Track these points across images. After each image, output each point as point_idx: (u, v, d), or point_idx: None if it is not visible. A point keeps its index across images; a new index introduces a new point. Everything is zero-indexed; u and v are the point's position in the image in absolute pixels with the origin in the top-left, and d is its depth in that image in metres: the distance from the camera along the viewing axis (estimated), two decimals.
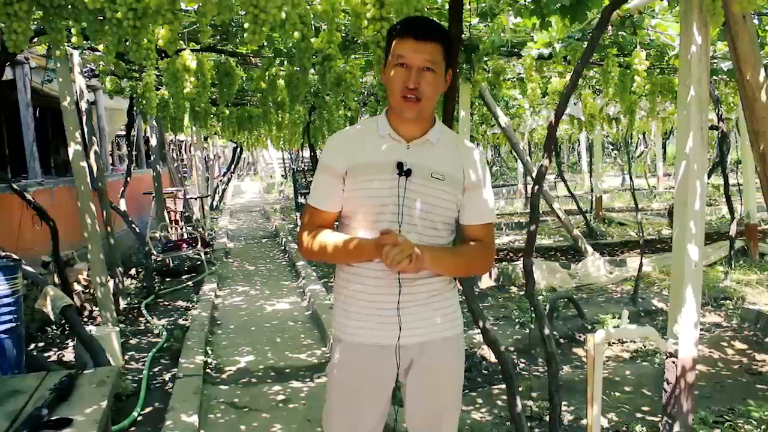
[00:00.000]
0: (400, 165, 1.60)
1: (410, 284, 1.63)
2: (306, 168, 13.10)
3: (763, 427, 2.95)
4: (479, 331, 2.61)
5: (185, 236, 8.59)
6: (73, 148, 4.24)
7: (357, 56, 4.51)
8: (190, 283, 7.06)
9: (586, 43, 3.59)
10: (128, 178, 6.58)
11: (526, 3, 2.91)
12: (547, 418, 2.83)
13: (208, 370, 4.17)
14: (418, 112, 1.62)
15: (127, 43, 2.21)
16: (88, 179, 4.34)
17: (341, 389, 1.73)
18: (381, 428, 1.77)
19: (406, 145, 1.65)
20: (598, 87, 7.00)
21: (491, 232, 1.75)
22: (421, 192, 1.62)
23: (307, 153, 11.97)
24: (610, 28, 3.68)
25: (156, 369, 4.21)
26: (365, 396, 1.71)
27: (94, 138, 5.45)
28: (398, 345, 1.65)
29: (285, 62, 4.40)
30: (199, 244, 7.83)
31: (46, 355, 4.41)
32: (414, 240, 1.56)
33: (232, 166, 17.22)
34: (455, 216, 1.70)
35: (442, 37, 1.61)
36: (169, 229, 9.06)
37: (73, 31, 2.88)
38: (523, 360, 4.23)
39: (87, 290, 5.28)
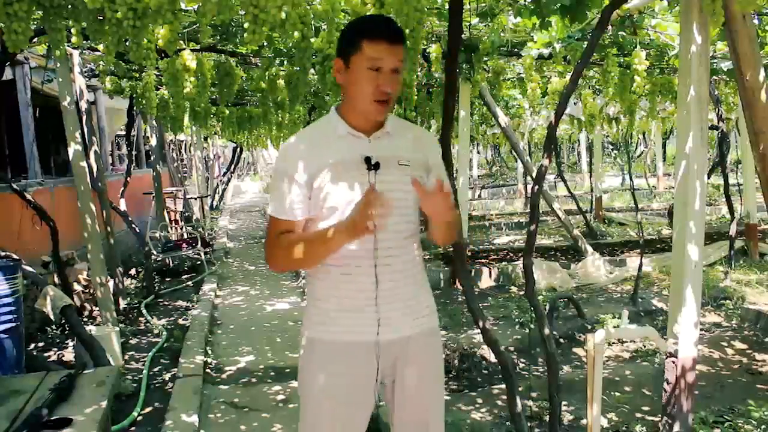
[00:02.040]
0: (368, 159, 1.61)
1: (387, 279, 1.63)
2: None
3: (763, 426, 2.95)
4: (479, 331, 2.61)
5: (185, 236, 8.59)
6: (73, 148, 4.24)
7: None
8: (190, 283, 7.05)
9: (586, 43, 3.59)
10: (128, 178, 6.58)
11: (526, 3, 2.91)
12: (547, 418, 2.83)
13: (208, 370, 4.17)
14: (387, 112, 1.64)
15: (127, 43, 2.21)
16: (88, 179, 4.34)
17: (321, 393, 1.67)
18: (364, 429, 1.73)
19: (368, 140, 1.65)
20: (598, 87, 7.00)
21: (454, 204, 1.82)
22: (391, 181, 1.62)
23: None
24: (610, 28, 3.68)
25: (156, 369, 4.21)
26: (349, 397, 1.67)
27: (94, 138, 5.45)
28: (378, 341, 1.63)
29: (285, 62, 4.40)
30: (199, 244, 7.83)
31: (46, 355, 4.41)
32: (390, 229, 1.58)
33: (232, 166, 17.21)
34: None
35: (405, 38, 1.64)
36: (169, 229, 9.06)
37: (73, 31, 2.89)
38: (523, 360, 4.23)
39: (87, 290, 5.27)
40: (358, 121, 1.65)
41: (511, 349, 4.35)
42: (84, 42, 3.73)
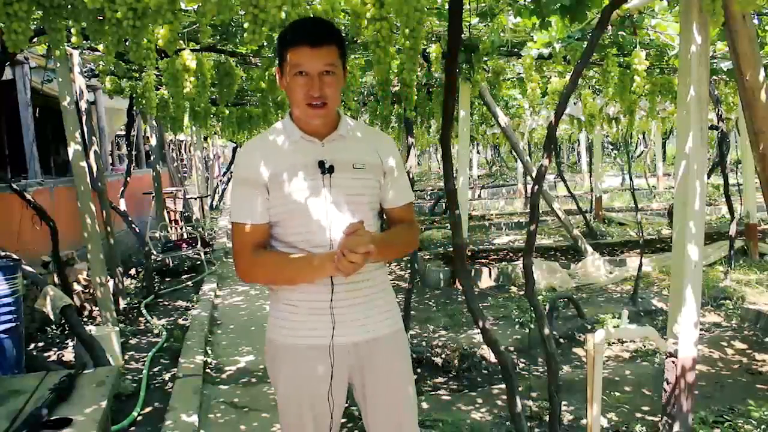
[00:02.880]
0: (321, 163, 1.62)
1: (342, 281, 1.62)
2: None
3: (763, 426, 2.95)
4: (479, 331, 2.61)
5: (185, 236, 8.59)
6: (73, 148, 4.24)
7: (357, 56, 4.51)
8: (189, 283, 7.05)
9: (586, 43, 3.58)
10: (128, 178, 6.58)
11: (526, 3, 2.91)
12: (547, 418, 2.83)
13: (208, 370, 4.17)
14: (325, 116, 1.64)
15: (127, 43, 2.21)
16: (88, 179, 4.34)
17: (286, 394, 1.69)
18: (337, 428, 1.74)
19: (321, 144, 1.66)
20: (598, 87, 7.00)
21: (413, 212, 1.84)
22: (346, 185, 1.64)
23: None
24: (610, 28, 3.68)
25: (156, 369, 4.21)
26: (312, 398, 1.67)
27: (94, 138, 5.45)
28: (332, 344, 1.63)
29: None
30: (199, 243, 7.83)
31: (46, 355, 4.41)
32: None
33: (232, 166, 17.20)
34: (380, 201, 1.75)
35: (336, 37, 1.62)
36: (169, 229, 9.06)
37: (72, 31, 2.89)
38: (523, 360, 4.23)
39: (87, 290, 5.27)
40: (306, 125, 1.66)
41: (511, 349, 4.35)
42: (84, 42, 3.73)
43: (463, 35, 2.86)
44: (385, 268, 1.81)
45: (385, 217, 1.82)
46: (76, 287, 5.22)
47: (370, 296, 1.70)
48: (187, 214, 10.67)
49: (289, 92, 1.63)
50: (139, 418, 3.42)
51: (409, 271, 4.07)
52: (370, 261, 1.59)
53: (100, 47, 3.73)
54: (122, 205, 6.30)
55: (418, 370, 4.00)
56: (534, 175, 3.15)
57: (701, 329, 3.42)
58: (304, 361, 1.66)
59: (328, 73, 1.58)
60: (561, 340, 4.56)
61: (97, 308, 4.74)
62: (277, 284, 1.70)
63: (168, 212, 9.55)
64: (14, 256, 3.47)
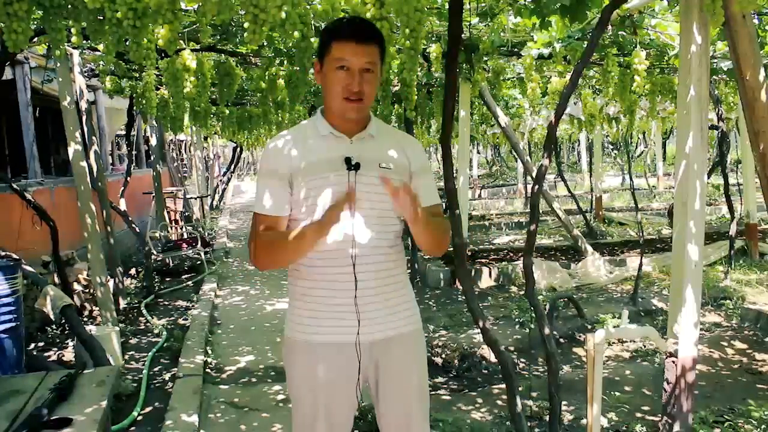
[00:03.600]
0: (348, 160, 1.63)
1: (366, 280, 1.64)
2: None
3: (763, 426, 2.95)
4: (479, 331, 2.61)
5: (185, 236, 8.60)
6: (73, 148, 4.24)
7: None
8: (190, 282, 7.05)
9: (586, 43, 3.59)
10: (128, 178, 6.58)
11: (526, 3, 2.91)
12: (547, 418, 2.83)
13: (208, 370, 4.17)
14: (361, 112, 1.65)
15: (127, 43, 2.21)
16: (88, 179, 4.34)
17: (304, 392, 1.70)
18: (350, 427, 1.75)
19: (349, 141, 1.67)
20: (598, 87, 7.00)
21: (441, 213, 1.83)
22: (371, 183, 1.63)
23: None
24: (610, 27, 3.68)
25: (156, 369, 4.21)
26: (331, 397, 1.68)
27: (94, 138, 5.45)
28: (358, 341, 1.64)
29: (285, 62, 4.40)
30: (199, 243, 7.83)
31: (46, 355, 4.41)
32: (368, 231, 1.61)
33: (232, 166, 17.21)
34: None
35: (379, 38, 1.65)
36: (169, 228, 9.06)
37: (73, 30, 2.88)
38: (523, 360, 4.23)
39: (87, 290, 5.28)
40: (337, 121, 1.67)
41: (511, 349, 4.34)
42: (84, 42, 3.73)
43: (463, 35, 2.86)
44: (405, 267, 1.81)
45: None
46: (76, 287, 5.22)
47: (394, 293, 1.71)
48: (187, 213, 10.67)
49: (326, 85, 1.64)
50: (139, 418, 3.42)
51: (409, 270, 4.07)
52: (386, 267, 1.63)
53: (100, 47, 3.73)
54: (122, 205, 6.30)
55: None
56: (534, 175, 3.15)
57: (701, 329, 3.42)
58: (327, 358, 1.66)
59: (369, 70, 1.61)
60: (561, 340, 4.56)
61: (97, 308, 4.74)
62: (281, 262, 1.69)
63: (168, 212, 9.55)
64: (14, 256, 3.47)
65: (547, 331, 2.42)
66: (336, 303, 1.65)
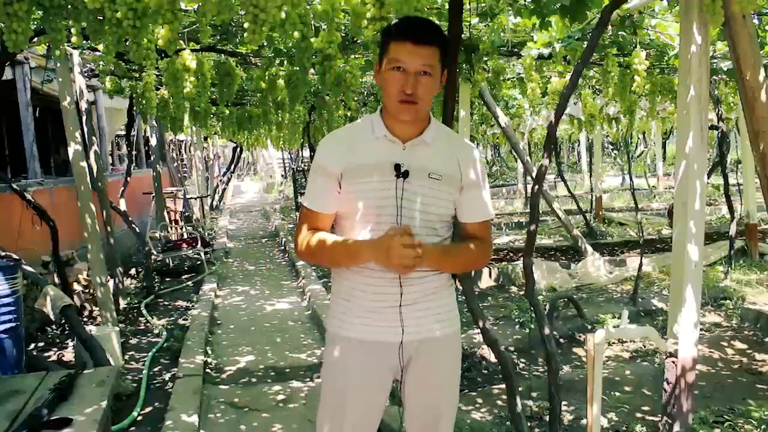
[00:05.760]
0: (397, 167, 1.61)
1: (411, 282, 1.64)
2: (306, 168, 13.10)
3: (763, 426, 2.95)
4: (479, 330, 2.61)
5: (185, 236, 8.59)
6: (73, 148, 4.24)
7: (357, 56, 4.51)
8: (190, 282, 7.05)
9: (586, 43, 3.59)
10: (128, 178, 6.58)
11: (526, 3, 2.91)
12: (547, 418, 2.83)
13: (208, 370, 4.17)
14: (415, 114, 1.62)
15: (127, 43, 2.21)
16: (88, 179, 4.34)
17: (340, 387, 1.71)
18: (377, 426, 1.77)
19: (402, 146, 1.64)
20: (598, 87, 7.00)
21: (488, 229, 1.78)
22: (419, 193, 1.62)
23: (306, 153, 11.98)
24: (610, 28, 3.68)
25: (156, 369, 4.21)
26: (366, 393, 1.70)
27: (94, 138, 5.45)
28: (401, 342, 1.65)
29: (285, 62, 4.40)
30: (199, 243, 7.83)
31: (46, 355, 4.41)
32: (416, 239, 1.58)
33: (232, 166, 17.21)
34: (453, 214, 1.71)
35: (440, 40, 1.60)
36: (169, 229, 9.05)
37: (73, 31, 2.88)
38: (523, 360, 4.23)
39: (87, 290, 5.28)
40: (393, 124, 1.65)
41: (511, 349, 4.34)
42: (84, 42, 3.73)
43: (463, 35, 2.86)
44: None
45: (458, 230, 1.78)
46: (76, 287, 5.22)
47: (438, 297, 1.71)
48: (187, 214, 10.67)
49: (383, 85, 1.63)
50: (139, 418, 3.42)
51: None
52: (424, 269, 1.62)
53: (100, 47, 3.73)
54: (122, 205, 6.29)
55: None
56: (534, 175, 3.15)
57: (701, 329, 3.42)
58: (369, 355, 1.67)
59: (425, 73, 1.58)
60: (561, 340, 4.55)
61: (97, 308, 4.74)
62: (323, 264, 1.74)
63: (168, 212, 9.55)
64: (14, 256, 3.47)
65: (547, 331, 2.42)
66: (381, 303, 1.65)
